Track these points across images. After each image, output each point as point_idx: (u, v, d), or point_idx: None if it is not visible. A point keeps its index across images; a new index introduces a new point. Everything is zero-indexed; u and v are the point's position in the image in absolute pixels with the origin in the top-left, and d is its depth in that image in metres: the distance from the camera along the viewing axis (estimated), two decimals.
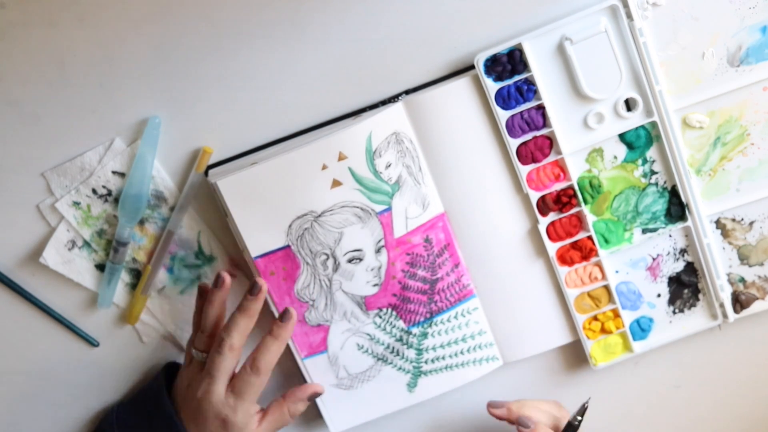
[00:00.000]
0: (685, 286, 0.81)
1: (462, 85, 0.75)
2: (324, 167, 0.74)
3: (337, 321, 0.79)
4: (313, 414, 0.84)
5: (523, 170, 0.77)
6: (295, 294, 0.78)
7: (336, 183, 0.75)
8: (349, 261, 0.78)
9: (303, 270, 0.78)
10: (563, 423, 0.77)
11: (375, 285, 0.79)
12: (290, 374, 0.83)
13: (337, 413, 0.82)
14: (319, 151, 0.74)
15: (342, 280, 0.78)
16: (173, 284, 0.81)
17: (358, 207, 0.76)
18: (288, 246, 0.77)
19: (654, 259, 0.80)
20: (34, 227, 0.79)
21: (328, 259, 0.77)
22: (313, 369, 0.81)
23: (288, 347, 0.80)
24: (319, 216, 0.76)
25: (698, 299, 0.81)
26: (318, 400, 0.81)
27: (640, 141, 0.77)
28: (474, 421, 0.83)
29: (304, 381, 0.81)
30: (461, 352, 0.81)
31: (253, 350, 0.74)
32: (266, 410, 0.76)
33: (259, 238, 0.76)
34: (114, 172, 0.78)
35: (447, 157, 0.77)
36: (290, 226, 0.76)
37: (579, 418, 0.76)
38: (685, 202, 0.78)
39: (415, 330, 0.80)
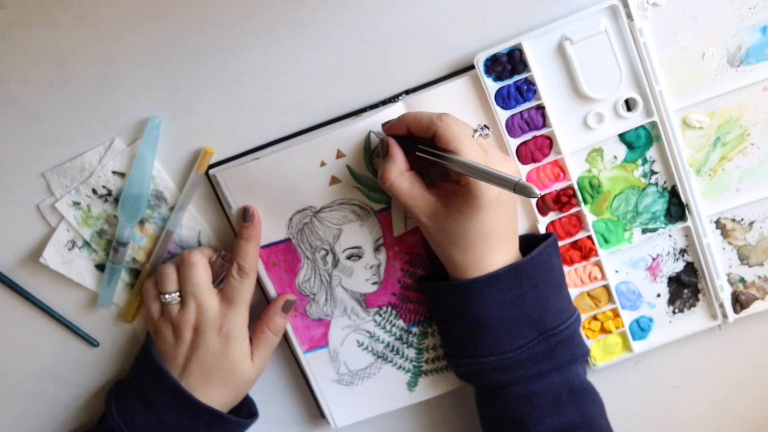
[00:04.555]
0: (685, 286, 0.81)
1: (462, 84, 0.75)
2: (322, 164, 0.74)
3: (338, 317, 0.80)
4: (314, 410, 0.84)
5: (523, 170, 0.77)
6: (296, 287, 0.79)
7: (334, 180, 0.75)
8: (348, 258, 0.78)
9: (303, 263, 0.78)
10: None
11: (374, 283, 0.78)
12: (291, 368, 0.83)
13: (338, 409, 0.82)
14: (318, 148, 0.74)
15: (342, 276, 0.78)
16: None
17: (356, 205, 0.76)
18: (289, 239, 0.77)
19: (654, 259, 0.80)
20: (34, 227, 0.79)
21: (327, 254, 0.77)
22: (314, 363, 0.81)
23: (289, 341, 0.80)
24: (318, 212, 0.76)
25: (698, 299, 0.81)
26: (319, 396, 0.81)
27: (640, 141, 0.77)
28: (474, 421, 0.83)
29: (305, 376, 0.82)
30: None
31: (233, 258, 0.75)
32: (252, 339, 0.77)
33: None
34: (114, 172, 0.78)
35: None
36: (291, 219, 0.76)
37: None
38: (685, 202, 0.78)
39: (415, 329, 0.80)
